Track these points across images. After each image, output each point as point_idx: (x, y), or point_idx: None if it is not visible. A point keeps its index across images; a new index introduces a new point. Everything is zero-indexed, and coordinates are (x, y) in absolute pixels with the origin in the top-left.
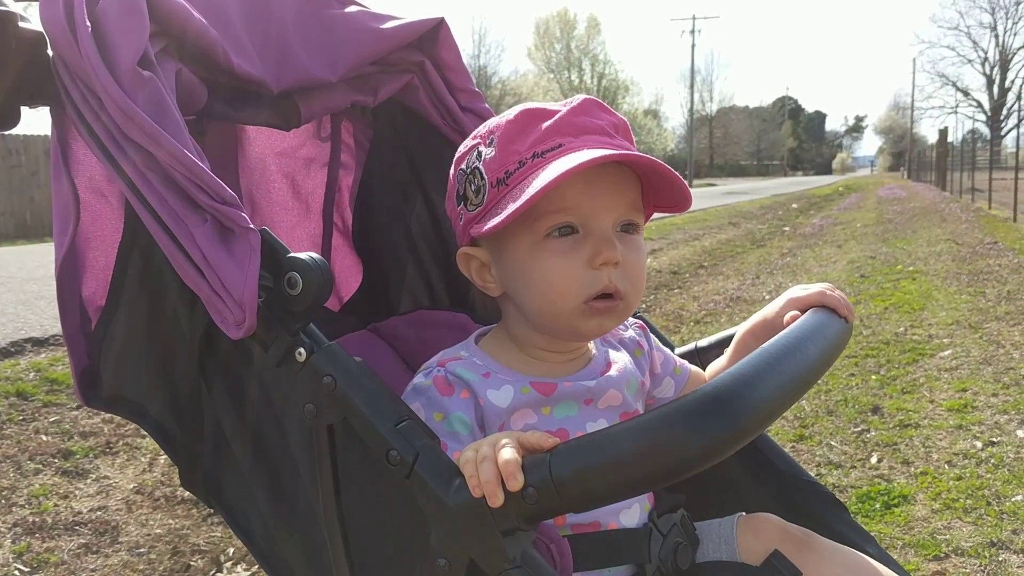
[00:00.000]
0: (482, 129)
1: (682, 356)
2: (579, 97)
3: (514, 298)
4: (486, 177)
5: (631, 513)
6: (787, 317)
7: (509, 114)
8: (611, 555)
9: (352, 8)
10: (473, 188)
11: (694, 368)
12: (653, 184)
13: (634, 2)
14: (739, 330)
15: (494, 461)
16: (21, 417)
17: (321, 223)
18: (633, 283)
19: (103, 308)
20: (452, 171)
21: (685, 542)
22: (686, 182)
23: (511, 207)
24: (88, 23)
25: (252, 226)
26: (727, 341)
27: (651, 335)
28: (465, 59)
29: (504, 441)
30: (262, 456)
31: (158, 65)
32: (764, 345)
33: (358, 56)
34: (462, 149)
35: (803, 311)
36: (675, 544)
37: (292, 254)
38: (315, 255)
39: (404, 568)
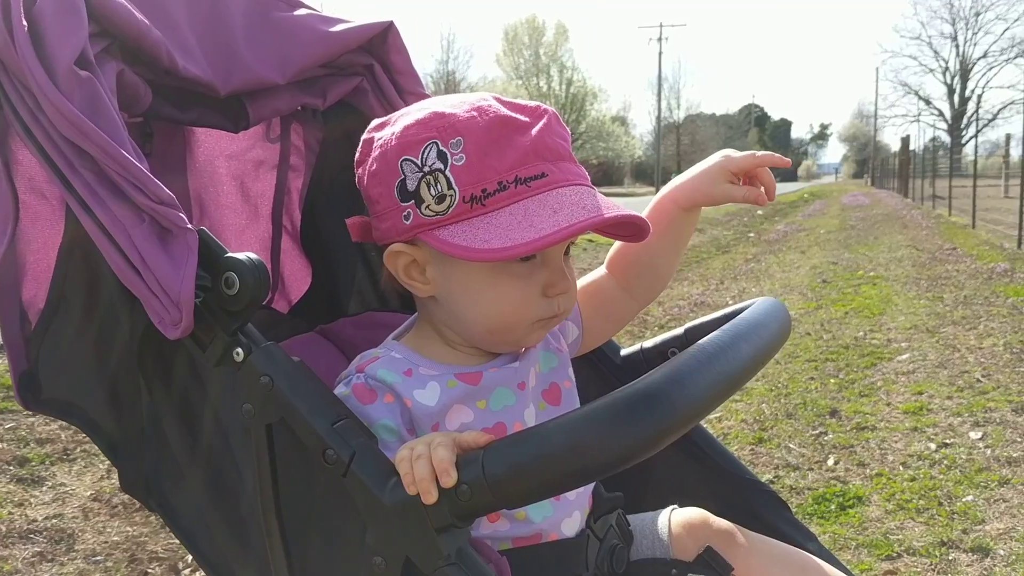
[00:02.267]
0: (432, 117)
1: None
2: (544, 110)
3: (454, 309)
4: (456, 188)
5: (572, 522)
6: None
7: (474, 114)
8: (550, 568)
9: (301, 11)
10: (435, 194)
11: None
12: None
13: (602, 10)
14: (660, 194)
15: (428, 459)
16: None
17: (270, 226)
18: (572, 302)
19: (43, 310)
20: (389, 151)
21: (621, 544)
22: (648, 224)
23: (502, 241)
24: (25, 22)
25: (190, 226)
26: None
27: None
28: (433, 65)
29: (439, 440)
30: (203, 458)
31: (97, 65)
32: (699, 343)
33: (307, 59)
34: (406, 132)
35: (737, 173)
36: (612, 547)
37: (229, 254)
38: (252, 255)
39: (342, 567)
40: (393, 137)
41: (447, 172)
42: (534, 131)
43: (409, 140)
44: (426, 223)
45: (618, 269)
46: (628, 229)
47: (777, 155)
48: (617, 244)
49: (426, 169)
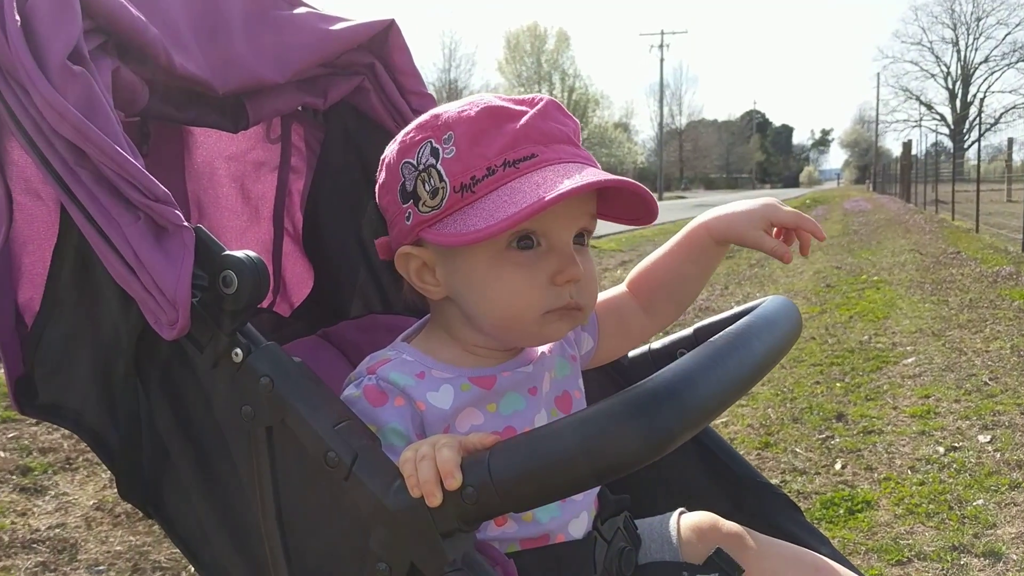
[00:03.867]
0: (430, 119)
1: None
2: (541, 98)
3: (464, 305)
4: (447, 180)
5: (579, 523)
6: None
7: (467, 109)
8: (557, 570)
9: (301, 9)
10: (428, 188)
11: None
12: (618, 196)
13: (603, 17)
14: (696, 220)
15: (433, 460)
16: None
17: (271, 228)
18: (590, 296)
19: (38, 313)
20: (392, 159)
21: (629, 546)
22: (655, 198)
23: (485, 221)
24: (18, 18)
25: (186, 224)
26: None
27: None
28: (436, 73)
29: (444, 441)
30: (201, 462)
31: (92, 62)
32: (709, 341)
33: (307, 58)
34: (406, 138)
35: (777, 226)
36: (619, 549)
37: (227, 252)
38: (251, 253)
39: (345, 573)
40: (395, 144)
41: (438, 166)
42: (525, 117)
43: (408, 143)
44: (424, 220)
45: (641, 289)
46: (633, 210)
47: (820, 228)
48: (642, 264)
49: (420, 167)
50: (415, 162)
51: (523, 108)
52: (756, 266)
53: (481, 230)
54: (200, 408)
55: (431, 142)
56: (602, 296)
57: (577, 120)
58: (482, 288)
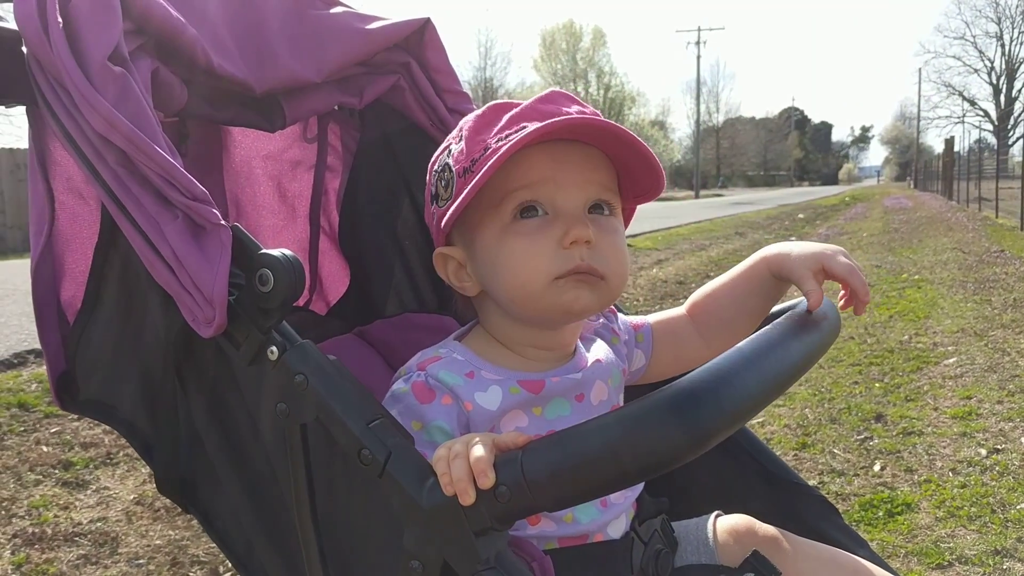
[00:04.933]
0: (455, 130)
1: None
2: (551, 90)
3: (490, 291)
4: (454, 169)
5: (618, 524)
6: (811, 298)
7: (479, 110)
8: (594, 569)
9: (337, 8)
10: (443, 183)
11: (653, 320)
12: (628, 168)
13: (639, 14)
14: (758, 253)
15: (466, 458)
16: (22, 428)
17: (308, 227)
18: (611, 264)
19: (79, 311)
20: (428, 177)
21: (666, 549)
22: (660, 164)
23: (469, 187)
24: (60, 19)
25: (224, 223)
26: None
27: (620, 316)
28: (471, 71)
29: (477, 439)
30: (237, 458)
31: (132, 62)
32: (746, 340)
33: (343, 57)
34: (437, 153)
35: (828, 273)
36: (656, 551)
37: (264, 250)
38: (287, 252)
39: (379, 571)
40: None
41: (449, 160)
42: (527, 103)
43: (435, 158)
44: (443, 213)
45: (699, 313)
46: (644, 183)
47: (867, 291)
48: (704, 288)
49: (439, 169)
50: (437, 167)
51: (530, 101)
52: None
53: (466, 193)
54: (235, 405)
55: (450, 146)
56: (661, 316)
57: (592, 108)
58: (494, 264)
